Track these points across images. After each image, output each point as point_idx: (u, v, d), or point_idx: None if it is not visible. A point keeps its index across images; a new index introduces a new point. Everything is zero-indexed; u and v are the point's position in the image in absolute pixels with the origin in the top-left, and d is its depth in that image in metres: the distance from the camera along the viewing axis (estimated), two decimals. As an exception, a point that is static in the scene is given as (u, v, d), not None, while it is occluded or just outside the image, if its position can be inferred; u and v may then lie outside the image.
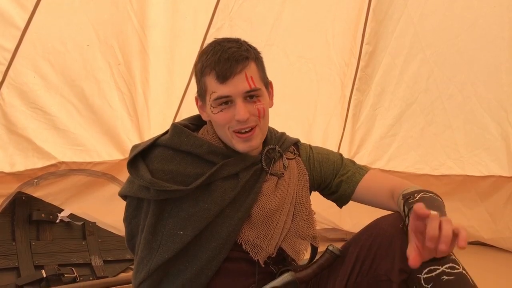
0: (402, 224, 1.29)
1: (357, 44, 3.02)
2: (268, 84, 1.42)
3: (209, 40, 2.81)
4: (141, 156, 1.39)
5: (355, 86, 3.15)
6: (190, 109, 2.88)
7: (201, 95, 1.39)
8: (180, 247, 1.33)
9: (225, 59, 1.30)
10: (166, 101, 2.99)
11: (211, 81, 1.32)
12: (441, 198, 1.35)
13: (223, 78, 1.30)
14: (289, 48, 2.85)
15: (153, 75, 2.86)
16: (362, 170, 1.51)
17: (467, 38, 2.89)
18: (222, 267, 1.37)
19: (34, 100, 2.56)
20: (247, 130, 1.34)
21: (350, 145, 3.32)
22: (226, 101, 1.33)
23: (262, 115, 1.35)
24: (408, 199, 1.30)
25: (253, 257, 1.36)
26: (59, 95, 2.61)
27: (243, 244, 1.36)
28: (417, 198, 1.29)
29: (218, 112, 1.34)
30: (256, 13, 2.85)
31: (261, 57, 1.40)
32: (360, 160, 3.34)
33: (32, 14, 2.37)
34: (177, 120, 2.88)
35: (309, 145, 1.58)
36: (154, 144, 1.40)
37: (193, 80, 2.98)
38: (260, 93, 1.35)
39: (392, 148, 3.27)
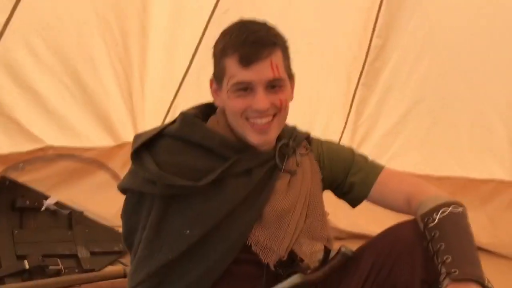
0: (426, 243, 1.23)
1: (367, 37, 2.96)
2: (291, 77, 1.33)
3: (213, 23, 2.76)
4: (145, 147, 1.28)
5: (362, 81, 3.08)
6: (188, 97, 2.84)
7: (218, 77, 1.29)
8: (185, 247, 1.24)
9: (251, 41, 1.19)
10: (163, 87, 2.90)
11: (232, 64, 1.22)
12: (462, 207, 1.28)
13: (246, 62, 1.19)
14: (297, 36, 2.74)
15: (152, 58, 2.76)
16: (376, 169, 1.43)
17: (484, 37, 2.84)
18: (227, 269, 1.28)
19: (24, 78, 2.45)
20: (263, 122, 1.25)
21: (350, 141, 3.26)
22: (245, 88, 1.23)
23: (284, 107, 1.27)
24: (427, 222, 1.24)
25: (263, 260, 1.27)
26: (51, 74, 2.51)
27: (252, 245, 1.27)
28: (436, 221, 1.23)
29: (235, 98, 1.24)
30: (264, -3, 2.77)
31: (288, 47, 1.30)
32: (361, 157, 3.30)
33: (25, -16, 2.26)
34: (173, 113, 2.86)
35: (320, 140, 1.50)
36: (160, 134, 1.30)
37: (193, 66, 2.92)
38: (283, 83, 1.26)
39: (394, 147, 3.22)
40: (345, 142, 3.26)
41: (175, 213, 1.26)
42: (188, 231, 1.24)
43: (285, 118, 1.32)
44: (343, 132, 3.27)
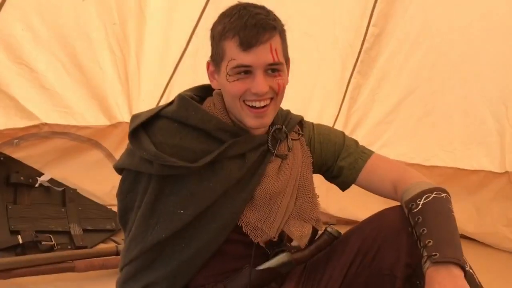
0: (410, 228, 1.26)
1: (364, 25, 2.94)
2: (288, 61, 1.34)
3: (211, 6, 2.73)
4: (142, 127, 1.29)
5: (357, 69, 3.08)
6: (183, 79, 2.83)
7: (216, 60, 1.29)
8: (179, 226, 1.26)
9: (252, 25, 1.19)
10: (159, 68, 2.88)
11: (232, 47, 1.22)
12: (446, 193, 1.31)
13: (247, 45, 1.20)
14: (294, 23, 2.72)
15: (148, 39, 2.74)
16: (365, 155, 1.45)
17: (478, 29, 2.84)
18: (217, 248, 1.30)
19: (20, 54, 2.42)
20: (261, 105, 1.26)
21: (343, 128, 3.26)
22: (245, 71, 1.24)
23: (282, 91, 1.28)
24: (411, 208, 1.26)
25: (253, 240, 1.30)
26: (48, 52, 2.48)
27: (243, 226, 1.30)
28: (420, 206, 1.25)
29: (234, 81, 1.25)
30: (263, -16, 2.74)
31: (285, 31, 1.31)
32: (352, 144, 3.30)
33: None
34: (169, 94, 2.85)
35: (312, 123, 1.51)
36: (157, 115, 1.30)
37: (189, 48, 2.90)
38: (281, 67, 1.27)
39: (386, 135, 3.23)
40: (338, 127, 3.25)
41: (170, 193, 1.27)
42: (182, 211, 1.26)
43: (281, 102, 1.33)
44: (336, 118, 3.27)
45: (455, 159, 3.21)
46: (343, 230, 1.42)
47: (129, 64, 2.75)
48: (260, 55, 1.21)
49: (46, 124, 2.61)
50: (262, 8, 1.26)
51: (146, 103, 2.85)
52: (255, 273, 1.31)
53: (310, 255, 1.35)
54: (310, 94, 3.16)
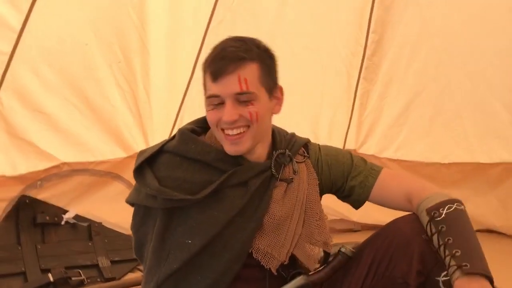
0: (425, 235, 1.28)
1: (363, 33, 2.96)
2: (274, 89, 1.35)
3: (211, 33, 2.79)
4: (147, 163, 1.35)
5: (362, 76, 3.09)
6: (193, 105, 2.89)
7: (204, 92, 1.35)
8: (188, 256, 1.30)
9: (221, 57, 1.26)
10: (168, 96, 2.94)
11: (207, 79, 1.30)
12: (464, 206, 1.32)
13: (214, 76, 1.26)
14: (293, 39, 2.79)
15: (154, 71, 2.80)
16: (375, 171, 1.46)
17: (477, 24, 2.83)
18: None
19: (33, 102, 2.51)
20: (234, 133, 1.29)
21: (357, 135, 3.28)
22: (217, 102, 1.28)
23: (255, 120, 1.29)
24: (434, 216, 1.27)
25: (265, 266, 1.33)
26: (59, 96, 2.56)
27: (253, 253, 1.33)
28: (443, 215, 1.26)
29: (209, 110, 1.31)
30: (259, 4, 2.79)
31: (271, 62, 1.34)
32: (368, 149, 3.30)
33: (27, 15, 2.31)
34: (181, 119, 2.90)
35: (319, 145, 1.53)
36: (161, 150, 1.36)
37: (195, 75, 2.96)
38: (253, 97, 1.28)
39: (400, 137, 3.22)
40: (351, 136, 3.30)
41: (177, 225, 1.31)
42: (189, 241, 1.29)
43: (262, 131, 1.34)
44: (349, 126, 3.28)
45: (472, 154, 3.18)
46: (368, 236, 1.43)
47: (139, 96, 2.82)
48: (227, 85, 1.25)
49: (65, 163, 2.67)
50: (242, 40, 1.30)
51: (161, 131, 2.90)
52: (273, 298, 1.32)
53: (326, 276, 1.37)
54: (319, 106, 3.18)
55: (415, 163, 3.20)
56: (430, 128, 3.18)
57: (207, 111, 1.31)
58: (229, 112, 1.26)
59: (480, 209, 3.16)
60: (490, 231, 3.25)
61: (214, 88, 1.27)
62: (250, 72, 1.27)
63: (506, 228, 3.18)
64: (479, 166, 3.20)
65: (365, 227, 3.25)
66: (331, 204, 3.03)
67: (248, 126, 1.30)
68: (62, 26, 2.47)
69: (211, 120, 1.31)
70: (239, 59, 1.26)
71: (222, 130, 1.30)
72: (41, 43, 2.43)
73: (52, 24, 2.45)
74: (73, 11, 2.49)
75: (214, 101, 1.28)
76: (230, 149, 1.31)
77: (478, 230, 3.13)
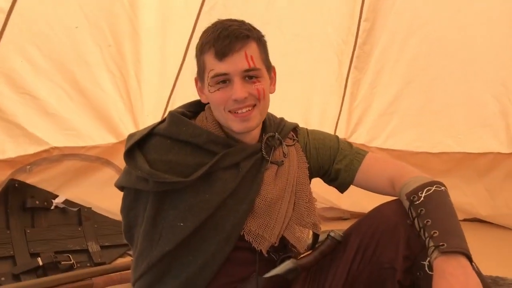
0: (410, 220, 1.29)
1: (355, 21, 2.95)
2: (270, 68, 1.38)
3: (202, 19, 2.78)
4: (137, 146, 1.35)
5: (353, 64, 3.10)
6: (184, 91, 2.88)
7: (200, 74, 1.36)
8: (180, 239, 1.31)
9: (225, 36, 1.26)
10: (159, 82, 2.93)
11: (210, 59, 1.29)
12: (444, 187, 1.33)
13: (222, 55, 1.27)
14: (285, 27, 2.78)
15: (145, 56, 2.78)
16: (360, 155, 1.48)
17: (469, 13, 2.83)
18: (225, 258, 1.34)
19: (22, 85, 2.48)
20: (244, 110, 1.30)
21: (347, 123, 3.29)
22: (224, 80, 1.29)
23: (262, 96, 1.32)
24: (413, 200, 1.28)
25: (256, 247, 1.34)
26: (48, 80, 2.53)
27: (245, 235, 1.35)
28: (422, 198, 1.27)
29: (215, 91, 1.31)
30: (251, -10, 2.77)
31: (265, 41, 1.36)
32: (358, 138, 3.31)
33: (16, -5, 2.28)
34: (172, 106, 2.89)
35: (307, 129, 1.55)
36: (151, 133, 1.36)
37: (187, 60, 2.94)
38: (260, 73, 1.31)
39: (390, 126, 3.24)
40: (342, 124, 3.32)
41: (169, 208, 1.32)
42: (181, 224, 1.30)
43: (266, 108, 1.37)
44: (339, 114, 3.29)
45: (462, 144, 3.20)
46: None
47: (129, 82, 2.80)
48: (235, 63, 1.27)
49: (55, 147, 2.66)
50: (237, 20, 1.32)
51: (151, 117, 2.90)
52: (262, 280, 1.34)
53: (315, 260, 1.39)
54: (310, 94, 3.19)
55: (405, 152, 3.21)
56: (420, 117, 3.20)
57: (211, 92, 1.31)
58: (240, 89, 1.28)
59: (468, 198, 3.19)
60: (478, 220, 3.28)
61: (222, 66, 1.27)
62: (254, 49, 1.30)
63: (492, 217, 3.21)
64: (468, 156, 3.22)
65: (354, 215, 3.27)
66: (321, 192, 3.05)
67: (255, 105, 1.31)
68: (51, 9, 2.44)
69: (218, 101, 1.31)
70: (244, 36, 1.28)
71: (229, 111, 1.31)
72: (29, 26, 2.40)
73: (41, 6, 2.42)
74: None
75: (220, 79, 1.29)
76: (241, 126, 1.32)
77: (466, 220, 3.17)
